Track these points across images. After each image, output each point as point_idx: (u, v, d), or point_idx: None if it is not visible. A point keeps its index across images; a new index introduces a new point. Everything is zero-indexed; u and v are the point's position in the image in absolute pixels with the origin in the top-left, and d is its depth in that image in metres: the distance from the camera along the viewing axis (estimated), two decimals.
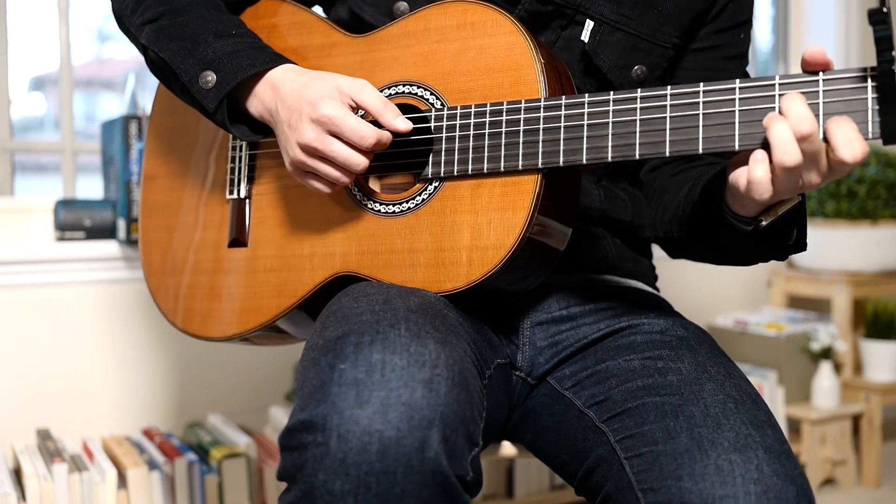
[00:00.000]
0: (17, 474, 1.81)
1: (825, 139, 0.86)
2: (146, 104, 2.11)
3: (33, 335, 2.02)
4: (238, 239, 1.24)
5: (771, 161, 0.88)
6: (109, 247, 2.06)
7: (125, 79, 2.33)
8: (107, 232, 2.07)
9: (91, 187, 2.31)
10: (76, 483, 1.72)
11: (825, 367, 2.61)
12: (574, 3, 1.15)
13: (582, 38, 1.16)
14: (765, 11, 3.31)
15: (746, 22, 1.25)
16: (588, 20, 1.16)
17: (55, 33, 2.22)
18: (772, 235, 1.01)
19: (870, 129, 0.85)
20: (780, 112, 0.87)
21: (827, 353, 2.61)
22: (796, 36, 3.26)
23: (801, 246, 1.05)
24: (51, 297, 2.04)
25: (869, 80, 0.85)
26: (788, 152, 0.85)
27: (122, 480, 1.77)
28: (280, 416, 2.12)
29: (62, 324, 2.05)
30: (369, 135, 1.03)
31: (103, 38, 2.59)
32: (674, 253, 1.23)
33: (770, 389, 2.53)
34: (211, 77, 1.11)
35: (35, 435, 1.98)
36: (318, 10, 1.32)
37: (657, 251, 1.34)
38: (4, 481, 1.72)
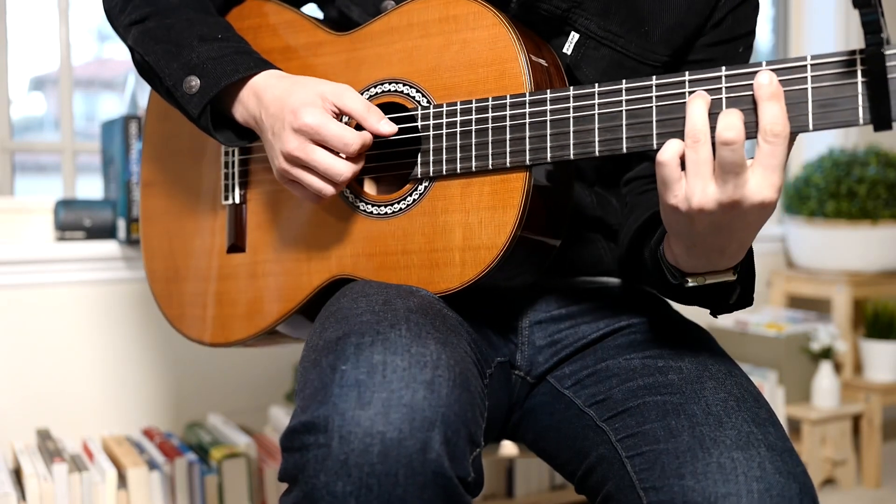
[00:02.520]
0: (17, 474, 1.81)
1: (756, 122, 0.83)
2: (146, 104, 2.11)
3: (33, 335, 2.02)
4: (236, 244, 1.24)
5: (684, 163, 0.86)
6: (109, 247, 2.06)
7: (125, 79, 2.33)
8: (107, 232, 2.07)
9: (91, 187, 2.31)
10: (76, 483, 1.72)
11: (825, 367, 2.61)
12: (560, 15, 1.11)
13: (565, 50, 1.12)
14: (765, 11, 3.31)
15: (748, 34, 1.19)
16: (573, 32, 1.12)
17: (55, 33, 2.22)
18: (706, 293, 1.00)
19: (860, 114, 0.82)
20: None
21: (827, 353, 2.61)
22: (796, 36, 3.26)
23: (746, 303, 1.02)
24: (51, 297, 2.04)
25: (858, 65, 0.82)
26: (697, 136, 0.83)
27: (122, 480, 1.77)
28: (280, 416, 2.12)
29: (62, 324, 2.05)
30: (353, 141, 1.02)
31: (103, 38, 2.59)
32: (620, 272, 1.20)
33: (770, 389, 2.52)
34: (195, 82, 1.10)
35: (35, 435, 1.98)
36: (313, 9, 1.31)
37: None
38: (4, 481, 1.72)
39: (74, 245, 2.04)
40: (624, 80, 0.93)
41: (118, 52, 2.61)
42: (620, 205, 1.21)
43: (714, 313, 1.05)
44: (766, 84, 0.83)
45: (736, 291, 1.00)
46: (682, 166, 0.86)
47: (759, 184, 0.82)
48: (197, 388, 2.18)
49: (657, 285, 1.05)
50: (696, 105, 0.85)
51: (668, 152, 0.85)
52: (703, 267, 0.93)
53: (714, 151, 0.83)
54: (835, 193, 2.74)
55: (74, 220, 2.04)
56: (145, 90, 2.20)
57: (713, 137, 0.84)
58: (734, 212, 0.84)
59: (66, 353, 2.05)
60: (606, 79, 1.13)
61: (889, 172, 2.72)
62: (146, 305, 2.11)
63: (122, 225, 2.02)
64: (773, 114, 0.82)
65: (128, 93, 2.14)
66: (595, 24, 1.12)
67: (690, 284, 0.96)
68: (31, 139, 2.46)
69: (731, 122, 0.81)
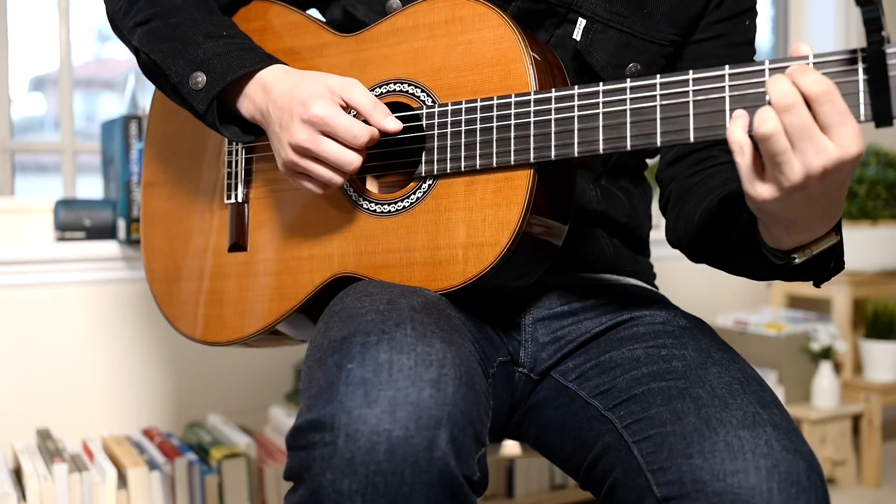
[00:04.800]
0: (17, 474, 1.81)
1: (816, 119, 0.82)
2: (146, 104, 2.11)
3: (33, 335, 2.02)
4: (238, 243, 1.24)
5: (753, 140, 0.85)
6: (109, 247, 2.06)
7: (125, 79, 2.33)
8: (107, 232, 2.07)
9: (91, 187, 2.31)
10: (76, 483, 1.72)
11: (825, 367, 2.61)
12: (566, 2, 1.14)
13: (574, 36, 1.15)
14: (765, 11, 3.31)
15: (751, 9, 1.22)
16: (580, 18, 1.15)
17: (55, 33, 2.22)
18: (810, 264, 0.98)
19: (861, 111, 0.83)
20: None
21: (827, 353, 2.61)
22: (796, 36, 3.26)
23: (840, 266, 1.02)
24: (51, 297, 2.04)
25: (860, 63, 0.83)
26: (765, 119, 0.82)
27: (122, 480, 1.77)
28: (280, 416, 2.12)
29: (62, 324, 2.05)
30: (362, 133, 1.03)
31: (103, 38, 2.58)
32: (697, 260, 1.20)
33: None
34: (201, 78, 1.11)
35: (35, 435, 1.98)
36: (313, 12, 1.31)
37: (655, 251, 1.34)
38: (4, 481, 1.72)
39: (74, 245, 2.03)
40: (628, 79, 0.95)
41: (118, 52, 2.61)
42: (661, 190, 1.23)
43: (817, 283, 1.03)
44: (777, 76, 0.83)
45: (835, 254, 0.98)
46: (755, 150, 0.85)
47: (843, 139, 0.81)
48: (197, 388, 2.18)
49: (756, 270, 1.05)
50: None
51: (746, 157, 0.85)
52: (807, 239, 0.93)
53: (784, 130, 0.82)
54: None
55: (74, 220, 2.04)
56: (145, 90, 2.20)
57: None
58: (825, 179, 0.83)
59: (67, 353, 2.05)
60: (616, 60, 1.16)
61: (889, 172, 2.72)
62: (146, 305, 2.11)
63: (122, 225, 2.02)
64: (810, 80, 0.81)
65: (128, 93, 2.14)
66: (600, 7, 1.15)
67: (798, 261, 0.95)
68: (31, 139, 2.46)
69: (785, 88, 0.81)
